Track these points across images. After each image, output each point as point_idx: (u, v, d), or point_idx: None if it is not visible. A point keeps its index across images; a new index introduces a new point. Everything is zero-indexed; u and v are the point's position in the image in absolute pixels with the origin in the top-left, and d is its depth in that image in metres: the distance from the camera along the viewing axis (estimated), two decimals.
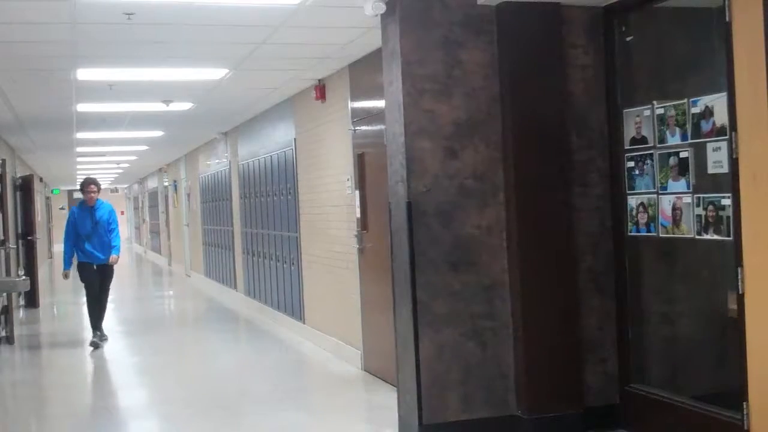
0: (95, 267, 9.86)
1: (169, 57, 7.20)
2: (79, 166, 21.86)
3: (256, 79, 8.54)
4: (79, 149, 16.07)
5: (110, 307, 15.94)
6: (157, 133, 13.64)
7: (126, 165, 22.37)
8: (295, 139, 9.86)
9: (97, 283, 9.91)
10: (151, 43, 6.62)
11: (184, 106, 10.21)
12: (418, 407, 5.21)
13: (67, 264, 9.92)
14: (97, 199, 9.91)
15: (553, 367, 5.29)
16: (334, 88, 8.41)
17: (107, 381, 7.82)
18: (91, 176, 10.37)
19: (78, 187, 11.33)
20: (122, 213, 39.76)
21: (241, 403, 6.95)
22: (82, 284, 10.04)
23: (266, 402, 6.95)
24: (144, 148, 16.62)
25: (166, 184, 23.43)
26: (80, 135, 13.09)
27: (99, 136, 13.45)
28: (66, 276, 10.12)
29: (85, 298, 10.33)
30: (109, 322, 12.51)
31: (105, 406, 7.36)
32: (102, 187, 10.50)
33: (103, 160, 20.35)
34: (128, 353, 9.90)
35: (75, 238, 9.79)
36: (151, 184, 27.64)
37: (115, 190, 38.50)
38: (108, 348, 9.75)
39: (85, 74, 7.71)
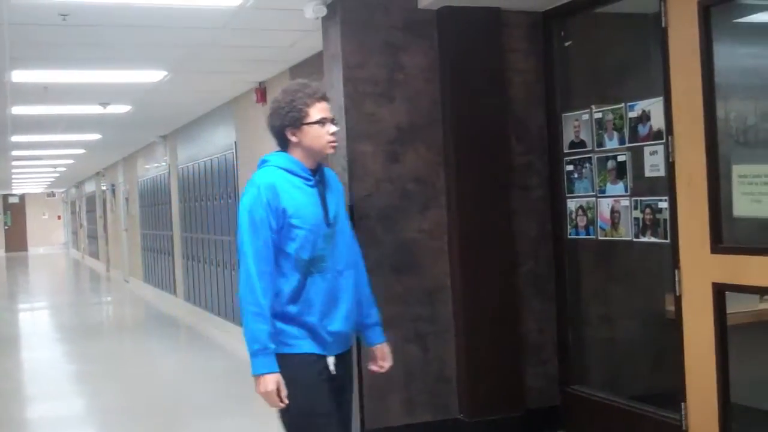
0: (335, 365, 3.33)
1: (105, 59, 7.07)
2: (14, 170, 21.40)
3: (196, 81, 8.44)
4: (14, 153, 15.73)
5: (46, 313, 15.51)
6: (95, 137, 13.41)
7: (63, 169, 21.96)
8: (235, 142, 9.77)
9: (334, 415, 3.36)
10: (86, 45, 6.49)
11: (122, 109, 10.04)
12: (360, 411, 5.18)
13: (268, 350, 3.13)
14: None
15: (494, 370, 5.31)
16: (275, 91, 8.29)
17: (43, 389, 7.65)
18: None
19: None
20: (59, 218, 39.04)
21: (182, 411, 6.86)
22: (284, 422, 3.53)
23: (207, 408, 6.86)
24: (81, 151, 16.33)
25: (104, 188, 23.05)
26: (15, 138, 12.80)
27: (35, 139, 13.18)
28: (275, 394, 3.23)
29: None
30: (44, 329, 12.29)
31: (40, 414, 7.21)
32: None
33: (40, 164, 19.95)
34: (65, 360, 9.70)
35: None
36: (89, 188, 27.16)
37: (52, 195, 37.80)
38: (44, 355, 9.54)
39: (19, 76, 7.53)
